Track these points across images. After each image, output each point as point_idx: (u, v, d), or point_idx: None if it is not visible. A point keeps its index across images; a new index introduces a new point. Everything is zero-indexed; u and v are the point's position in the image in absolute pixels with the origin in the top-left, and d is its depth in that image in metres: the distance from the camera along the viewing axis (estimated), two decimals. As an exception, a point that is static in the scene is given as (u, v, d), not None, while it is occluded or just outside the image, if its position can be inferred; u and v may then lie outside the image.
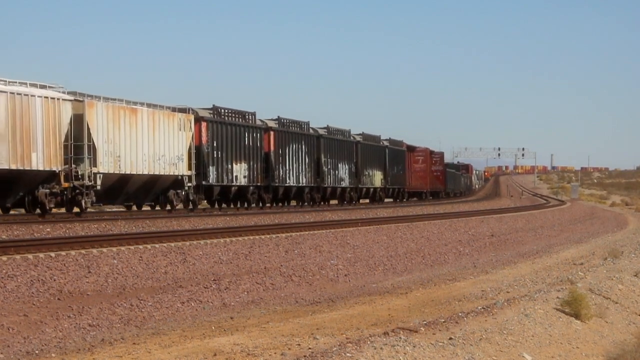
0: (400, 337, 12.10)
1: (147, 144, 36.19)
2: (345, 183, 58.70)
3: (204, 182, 40.48)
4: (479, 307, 15.86)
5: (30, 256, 18.12)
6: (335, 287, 21.29)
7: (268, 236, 26.11)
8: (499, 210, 59.39)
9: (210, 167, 41.13)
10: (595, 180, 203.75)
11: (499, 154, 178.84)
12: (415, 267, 26.00)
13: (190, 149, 39.23)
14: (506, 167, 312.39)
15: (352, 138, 60.90)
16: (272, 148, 47.52)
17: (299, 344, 13.05)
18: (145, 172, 36.16)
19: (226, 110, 43.71)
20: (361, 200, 64.75)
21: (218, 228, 28.15)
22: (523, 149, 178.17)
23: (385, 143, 69.88)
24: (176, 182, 38.44)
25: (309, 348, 12.64)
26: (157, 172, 36.88)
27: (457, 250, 30.82)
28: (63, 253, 18.84)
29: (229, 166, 42.84)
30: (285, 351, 12.45)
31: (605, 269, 23.20)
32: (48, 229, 25.03)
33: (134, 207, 38.94)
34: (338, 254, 25.36)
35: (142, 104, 36.51)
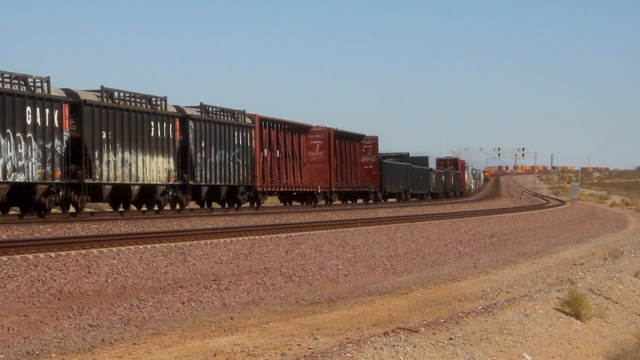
0: (400, 337, 12.10)
1: None
2: (28, 175, 29.56)
3: None
4: (479, 307, 15.86)
5: (30, 256, 18.12)
6: (335, 287, 21.29)
7: (268, 236, 26.11)
8: (499, 210, 59.37)
9: None
10: (595, 180, 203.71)
11: (499, 154, 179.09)
12: (415, 267, 26.01)
13: None
14: (506, 167, 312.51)
15: (60, 95, 31.41)
16: None
17: (299, 344, 13.06)
18: None
19: None
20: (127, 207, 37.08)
21: (218, 228, 28.15)
22: (523, 149, 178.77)
23: (193, 112, 40.16)
24: None
25: (309, 348, 12.64)
26: None
27: (457, 250, 30.82)
28: (63, 253, 18.83)
29: None
30: (285, 351, 12.46)
31: (605, 269, 23.20)
32: (48, 229, 25.03)
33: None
34: (338, 254, 25.35)
35: None
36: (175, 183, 37.95)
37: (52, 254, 18.58)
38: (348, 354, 11.05)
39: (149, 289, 17.68)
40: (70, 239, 21.36)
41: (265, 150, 48.03)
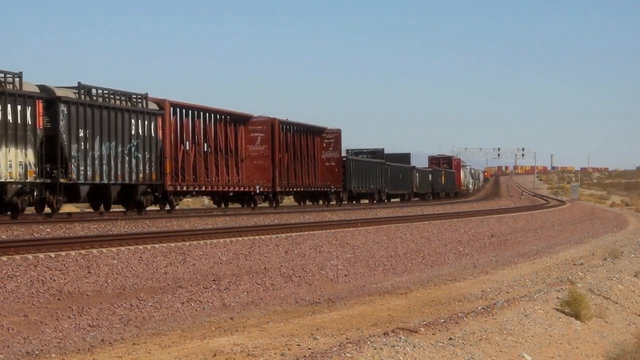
0: (400, 338, 12.10)
1: None
2: None
3: None
4: (479, 308, 15.86)
5: (30, 256, 18.12)
6: (335, 287, 21.29)
7: (268, 236, 26.12)
8: (498, 210, 59.37)
9: None
10: (595, 181, 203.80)
11: (498, 154, 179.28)
12: (415, 267, 26.01)
13: None
14: (506, 167, 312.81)
15: None
16: None
17: (299, 344, 13.06)
18: None
19: None
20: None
21: (218, 228, 28.17)
22: (523, 149, 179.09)
23: (67, 93, 32.19)
24: None
25: (309, 348, 12.65)
26: None
27: (457, 250, 30.83)
28: (63, 253, 18.83)
29: None
30: (285, 351, 12.46)
31: (605, 269, 23.21)
32: (48, 229, 25.04)
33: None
34: (338, 254, 25.36)
35: None
36: (38, 181, 29.54)
37: (52, 254, 18.59)
38: (348, 354, 11.04)
39: (148, 289, 17.68)
40: (70, 239, 21.36)
41: (187, 142, 40.68)
